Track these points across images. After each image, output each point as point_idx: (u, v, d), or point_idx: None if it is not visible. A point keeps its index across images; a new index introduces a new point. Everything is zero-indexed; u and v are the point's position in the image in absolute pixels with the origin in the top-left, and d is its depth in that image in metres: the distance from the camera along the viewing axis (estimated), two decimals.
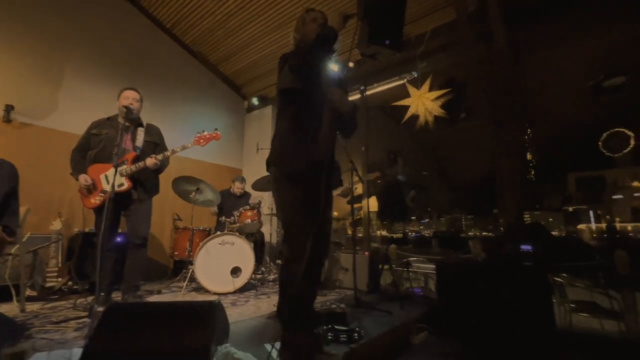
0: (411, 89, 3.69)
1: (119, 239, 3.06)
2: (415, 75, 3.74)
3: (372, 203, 6.90)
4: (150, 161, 2.47)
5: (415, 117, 3.67)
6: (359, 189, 4.43)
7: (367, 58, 2.98)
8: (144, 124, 2.69)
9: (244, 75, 5.12)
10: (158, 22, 4.40)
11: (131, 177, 2.48)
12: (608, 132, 7.47)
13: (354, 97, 4.23)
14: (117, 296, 2.58)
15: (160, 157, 2.51)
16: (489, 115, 3.37)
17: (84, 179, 2.44)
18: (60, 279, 2.80)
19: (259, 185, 3.73)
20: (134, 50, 4.20)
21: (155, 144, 2.68)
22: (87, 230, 3.21)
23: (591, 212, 7.22)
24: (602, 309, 2.31)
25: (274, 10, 3.87)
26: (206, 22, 4.24)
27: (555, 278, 2.45)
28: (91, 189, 2.47)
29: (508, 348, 1.94)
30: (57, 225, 2.95)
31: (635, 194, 7.47)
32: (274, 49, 4.43)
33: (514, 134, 3.75)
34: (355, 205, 5.01)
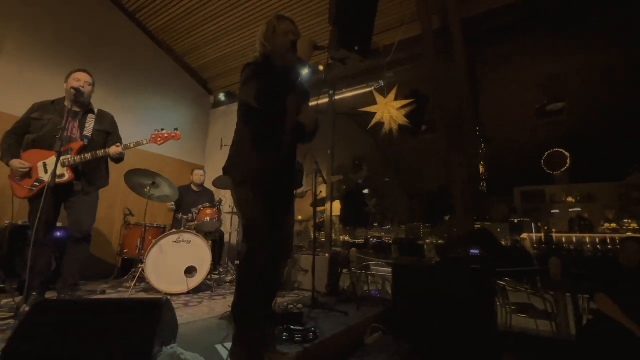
0: (378, 97, 3.81)
1: (58, 234, 2.79)
2: (382, 84, 3.87)
3: (336, 207, 6.98)
4: (114, 149, 2.28)
5: (380, 124, 3.79)
6: (323, 192, 4.46)
7: (337, 62, 3.03)
8: (95, 110, 2.46)
9: (211, 69, 4.96)
10: (119, 4, 4.12)
11: (74, 168, 2.24)
12: (549, 152, 8.26)
13: (323, 100, 4.28)
14: (52, 297, 2.33)
15: (120, 148, 2.31)
16: (445, 128, 3.57)
17: (19, 163, 2.16)
18: None
19: (220, 183, 3.61)
20: (90, 32, 3.88)
21: (108, 133, 2.44)
22: (20, 222, 2.88)
23: (532, 224, 7.91)
24: (538, 311, 2.53)
25: (244, 7, 3.81)
26: (173, 9, 4.05)
27: (499, 282, 2.65)
28: (26, 175, 2.21)
29: (455, 348, 2.04)
30: None
31: (570, 209, 8.32)
32: (243, 45, 4.34)
33: (468, 148, 4.01)
34: (319, 209, 5.04)
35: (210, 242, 3.18)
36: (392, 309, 2.37)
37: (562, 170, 8.28)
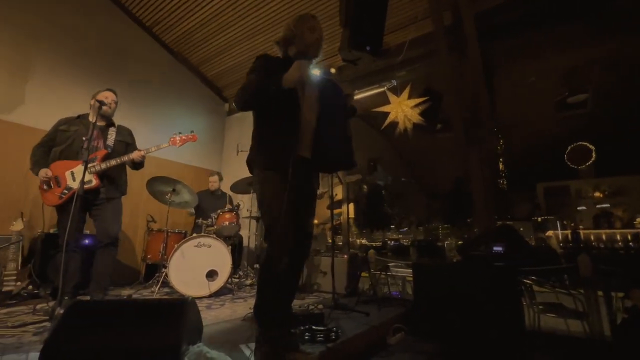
0: (391, 96, 3.79)
1: (86, 241, 2.91)
2: (395, 84, 3.85)
3: (352, 209, 6.94)
4: (137, 153, 2.47)
5: (394, 123, 3.77)
6: (338, 194, 4.46)
7: (349, 63, 3.04)
8: (116, 124, 2.66)
9: (226, 77, 5.08)
10: (137, 20, 4.30)
11: (99, 175, 2.39)
12: (572, 146, 7.95)
13: None
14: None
15: (143, 152, 2.51)
16: (461, 126, 3.50)
17: (43, 172, 2.31)
18: (19, 283, 2.61)
19: (237, 188, 3.67)
20: (111, 48, 4.07)
21: (127, 143, 2.63)
22: (50, 231, 3.03)
23: (558, 221, 7.61)
24: (567, 310, 2.43)
25: (255, 15, 3.90)
26: (187, 22, 4.19)
27: (525, 281, 2.56)
28: (50, 184, 2.35)
29: (481, 348, 1.98)
30: (18, 225, 2.77)
31: (598, 205, 7.96)
32: (255, 52, 4.41)
33: (486, 145, 3.91)
34: (335, 211, 5.03)
35: (229, 246, 3.24)
36: (414, 309, 2.33)
37: (587, 164, 7.92)
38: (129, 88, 4.15)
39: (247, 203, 3.93)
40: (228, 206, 3.51)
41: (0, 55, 3.19)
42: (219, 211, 3.34)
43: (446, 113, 3.86)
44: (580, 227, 7.36)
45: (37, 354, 1.40)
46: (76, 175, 2.35)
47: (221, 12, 3.94)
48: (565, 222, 7.56)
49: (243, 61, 4.63)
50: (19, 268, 2.70)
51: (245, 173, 4.83)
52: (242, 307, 2.51)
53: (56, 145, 2.43)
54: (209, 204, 3.88)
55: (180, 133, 2.73)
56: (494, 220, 4.10)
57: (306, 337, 1.62)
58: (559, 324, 2.52)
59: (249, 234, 4.09)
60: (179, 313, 1.20)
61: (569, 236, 6.97)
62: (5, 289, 2.56)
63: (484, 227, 3.55)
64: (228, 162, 5.26)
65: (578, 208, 8.02)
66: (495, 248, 2.15)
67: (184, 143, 2.70)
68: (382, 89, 3.96)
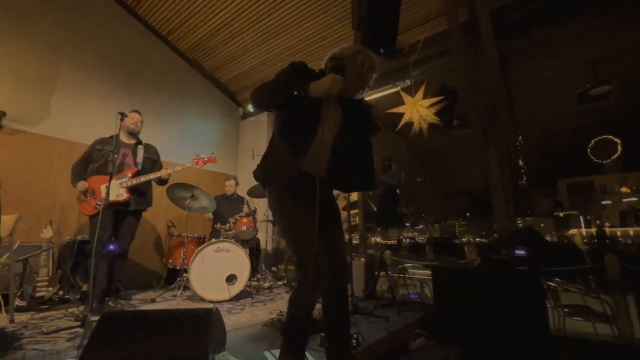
0: (405, 97, 3.75)
1: (111, 247, 3.04)
2: (409, 83, 3.81)
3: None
4: (165, 172, 2.77)
5: (409, 124, 3.72)
6: (354, 195, 4.45)
7: None
8: (143, 143, 2.94)
9: (239, 82, 5.15)
10: (153, 29, 4.41)
11: (130, 189, 2.69)
12: (596, 139, 7.64)
13: None
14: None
15: (169, 170, 2.81)
16: (478, 123, 3.45)
17: (82, 184, 2.61)
18: (50, 288, 2.73)
19: (254, 193, 3.72)
20: (129, 57, 4.20)
21: (153, 160, 2.94)
22: (79, 238, 3.16)
23: (581, 218, 7.33)
24: (594, 313, 2.34)
25: (266, 21, 3.93)
26: (201, 30, 4.27)
27: (549, 283, 2.49)
28: (87, 194, 2.64)
29: (504, 353, 1.95)
30: (48, 233, 2.90)
31: (623, 199, 7.63)
32: (268, 57, 4.47)
33: (504, 141, 3.84)
34: (352, 212, 5.02)
35: (247, 249, 3.29)
36: (434, 314, 2.31)
37: (612, 158, 7.59)
38: (146, 96, 4.27)
39: (263, 207, 3.98)
40: (246, 208, 3.59)
41: (27, 70, 3.34)
42: (236, 216, 3.40)
43: (462, 109, 3.79)
44: (606, 224, 7.08)
45: None
46: (110, 189, 2.54)
47: (233, 19, 3.99)
48: (589, 218, 7.27)
49: (256, 66, 4.68)
50: (50, 274, 2.83)
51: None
52: (262, 311, 2.55)
53: (93, 162, 2.75)
54: (226, 208, 3.95)
55: (200, 155, 3.02)
56: (513, 218, 4.01)
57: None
58: (585, 327, 2.44)
59: (266, 237, 4.14)
60: (204, 323, 1.24)
61: (594, 234, 6.71)
62: (38, 294, 2.69)
63: (503, 224, 3.49)
64: (243, 166, 5.34)
65: (603, 202, 7.70)
66: (517, 252, 2.10)
67: (205, 164, 2.98)
68: (395, 89, 3.92)
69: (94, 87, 3.82)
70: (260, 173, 1.45)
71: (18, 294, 2.62)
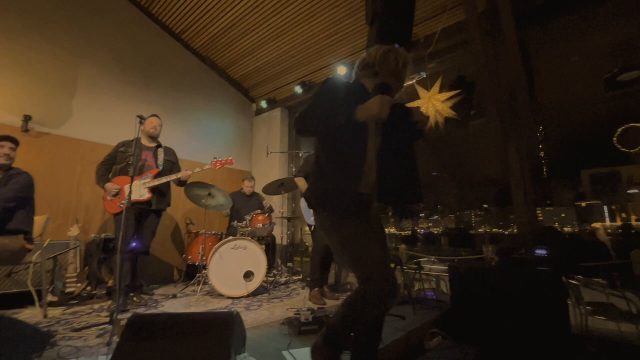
0: (421, 90, 3.66)
1: (134, 244, 3.16)
2: (424, 76, 3.71)
3: None
4: (185, 173, 2.89)
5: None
6: None
7: None
8: (162, 145, 3.06)
9: (252, 78, 5.16)
10: (168, 29, 4.46)
11: (152, 189, 2.80)
12: (623, 128, 7.27)
13: None
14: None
15: (189, 172, 2.93)
16: (498, 113, 3.37)
17: (112, 185, 2.73)
18: (79, 284, 2.88)
19: (269, 190, 3.76)
20: (145, 57, 4.27)
21: (172, 162, 3.05)
22: (103, 235, 3.30)
23: (605, 208, 7.03)
24: (619, 312, 2.27)
25: (279, 16, 3.89)
26: (214, 27, 4.28)
27: (570, 280, 2.42)
28: (119, 194, 2.78)
29: (524, 353, 1.93)
30: (74, 231, 3.03)
31: None
32: (281, 52, 4.45)
33: (524, 131, 3.73)
34: None
35: (263, 246, 3.35)
36: (451, 313, 2.30)
37: None
38: (162, 94, 4.35)
39: (278, 204, 4.03)
40: (267, 202, 3.67)
41: (49, 75, 3.45)
42: (252, 213, 3.45)
43: (480, 100, 3.68)
44: (633, 216, 6.78)
45: (103, 357, 1.55)
46: (133, 189, 2.67)
47: (244, 16, 3.98)
48: (613, 208, 6.97)
49: (269, 61, 4.67)
50: (78, 270, 2.97)
51: (276, 175, 4.94)
52: (279, 308, 2.61)
53: (116, 164, 2.87)
54: (242, 204, 4.02)
55: (218, 157, 3.14)
56: (533, 210, 3.92)
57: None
58: (609, 326, 2.38)
59: (282, 233, 4.20)
60: (226, 326, 1.28)
61: (620, 227, 6.44)
62: (67, 289, 2.84)
63: (523, 216, 3.42)
64: (258, 162, 5.39)
65: (629, 191, 7.36)
66: (538, 252, 2.05)
67: (222, 166, 3.10)
68: (410, 82, 3.84)
69: (111, 88, 3.91)
70: (313, 197, 1.34)
71: (50, 289, 2.77)
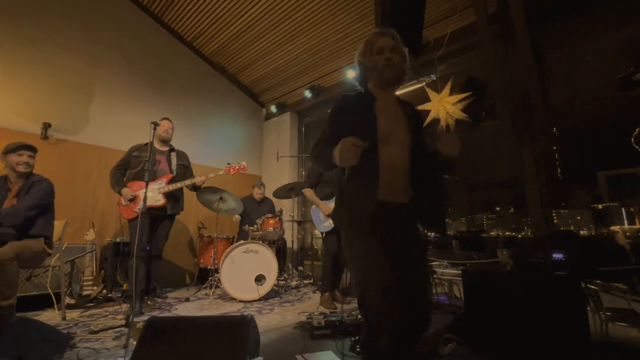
0: (431, 93, 3.63)
1: (148, 249, 3.23)
2: (434, 78, 3.70)
3: None
4: (199, 179, 2.93)
5: (436, 120, 3.62)
6: None
7: None
8: (175, 149, 3.08)
9: (262, 83, 5.22)
10: (180, 36, 4.56)
11: (166, 194, 2.84)
12: None
13: None
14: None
15: (203, 177, 2.96)
16: (510, 114, 3.33)
17: (127, 192, 2.76)
18: (95, 287, 2.94)
19: (279, 194, 3.78)
20: (158, 64, 4.37)
21: (185, 166, 3.08)
22: (118, 239, 3.37)
23: (623, 210, 6.81)
24: None
25: (288, 22, 3.94)
26: (224, 34, 4.36)
27: (589, 285, 2.36)
28: (135, 199, 2.81)
29: None
30: (91, 235, 3.10)
31: None
32: (290, 57, 4.49)
33: (537, 132, 3.67)
34: None
35: (274, 249, 3.37)
36: (465, 318, 2.27)
37: None
38: (174, 101, 4.44)
39: (288, 208, 4.05)
40: (279, 209, 3.72)
41: (67, 84, 3.57)
42: (263, 217, 3.47)
43: (491, 101, 3.64)
44: None
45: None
46: (148, 194, 2.72)
47: (254, 23, 4.04)
48: (632, 210, 6.76)
49: (279, 66, 4.72)
50: (94, 274, 3.04)
51: (286, 179, 4.97)
52: (291, 312, 2.61)
53: (130, 168, 2.91)
54: (253, 209, 4.05)
55: (232, 163, 3.16)
56: (549, 212, 3.85)
57: (358, 350, 1.65)
58: (631, 333, 2.31)
59: (292, 237, 4.21)
60: (241, 330, 1.29)
61: (639, 230, 6.23)
62: (85, 292, 2.90)
63: (537, 219, 3.36)
64: (268, 166, 5.43)
65: None
66: (555, 256, 2.01)
67: (236, 172, 3.12)
68: (420, 85, 3.82)
69: (126, 95, 4.02)
70: (337, 218, 1.25)
71: (68, 292, 2.84)
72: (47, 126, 3.34)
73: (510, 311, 2.03)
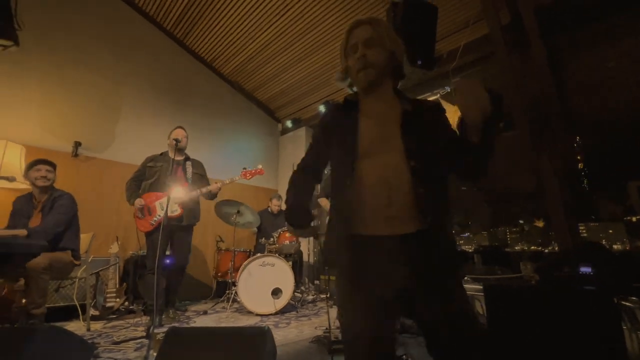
0: (446, 105, 3.64)
1: (167, 261, 3.29)
2: (449, 90, 3.70)
3: None
4: (215, 186, 2.88)
5: None
6: None
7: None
8: (190, 158, 3.07)
9: (278, 100, 5.37)
10: (200, 57, 4.79)
11: (182, 204, 2.83)
12: None
13: None
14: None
15: (219, 184, 2.91)
16: (529, 125, 3.27)
17: (139, 202, 2.78)
18: (118, 299, 3.02)
19: None
20: (179, 84, 4.59)
21: (201, 175, 3.06)
22: (140, 252, 3.47)
23: None
24: None
25: (301, 42, 4.09)
26: (242, 55, 4.55)
27: (623, 301, 2.22)
28: (144, 211, 2.81)
29: None
30: (115, 248, 3.22)
31: None
32: (305, 74, 4.62)
33: (559, 143, 3.57)
34: None
35: (290, 262, 3.37)
36: (489, 335, 2.17)
37: None
38: (194, 118, 4.62)
39: None
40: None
41: (95, 104, 3.80)
42: (279, 230, 3.50)
43: (508, 111, 3.59)
44: None
45: None
46: (164, 205, 2.69)
47: (270, 43, 4.21)
48: None
49: (293, 84, 4.86)
50: (117, 286, 3.13)
51: None
52: (308, 326, 2.59)
53: (146, 179, 2.92)
54: (269, 223, 4.09)
55: (248, 167, 3.10)
56: (574, 226, 3.69)
57: None
58: None
59: (308, 250, 4.20)
60: (259, 342, 1.30)
61: None
62: (108, 304, 2.99)
63: (562, 232, 3.23)
64: (284, 180, 5.51)
65: None
66: (583, 269, 1.92)
67: (253, 176, 3.06)
68: (435, 97, 3.83)
69: (148, 113, 4.22)
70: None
71: (92, 304, 2.93)
72: (77, 144, 3.54)
73: (537, 329, 1.93)
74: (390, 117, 0.95)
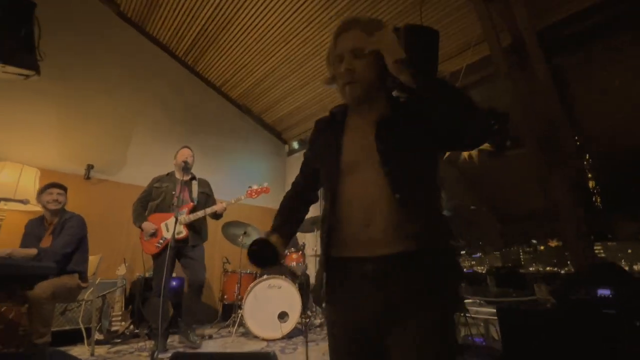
0: None
1: (174, 283, 3.27)
2: None
3: None
4: (220, 206, 2.82)
5: (458, 152, 3.60)
6: None
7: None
8: (197, 177, 3.04)
9: (285, 122, 5.48)
10: (210, 82, 4.97)
11: (188, 225, 2.75)
12: None
13: None
14: (171, 340, 2.70)
15: (224, 204, 2.86)
16: (536, 146, 3.25)
17: (148, 226, 2.73)
18: (123, 323, 2.99)
19: (302, 228, 3.79)
20: (190, 108, 4.75)
21: (207, 194, 3.01)
22: (146, 274, 3.45)
23: None
24: None
25: (308, 65, 4.23)
26: (249, 79, 4.72)
27: None
28: (156, 234, 2.77)
29: None
30: (122, 270, 3.22)
31: None
32: (310, 97, 4.74)
33: (568, 161, 3.53)
34: None
35: (297, 285, 3.31)
36: None
37: None
38: (204, 141, 4.73)
39: (311, 242, 4.02)
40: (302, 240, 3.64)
41: (110, 130, 3.93)
42: (286, 252, 3.47)
43: (515, 131, 3.58)
44: None
45: None
46: (169, 227, 2.71)
47: (276, 68, 4.37)
48: None
49: (299, 106, 4.98)
50: (123, 309, 3.10)
51: (309, 213, 4.96)
52: (315, 352, 2.50)
53: (152, 200, 2.90)
54: None
55: (253, 186, 3.02)
56: (589, 245, 3.57)
57: None
58: None
59: (315, 272, 4.12)
60: None
61: None
62: (113, 328, 2.95)
63: (577, 253, 3.12)
64: None
65: None
66: (600, 291, 1.84)
67: (259, 195, 2.99)
68: None
69: (160, 137, 4.34)
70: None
71: (98, 327, 2.90)
72: (90, 167, 3.64)
73: (555, 353, 1.83)
74: (370, 129, 0.85)
